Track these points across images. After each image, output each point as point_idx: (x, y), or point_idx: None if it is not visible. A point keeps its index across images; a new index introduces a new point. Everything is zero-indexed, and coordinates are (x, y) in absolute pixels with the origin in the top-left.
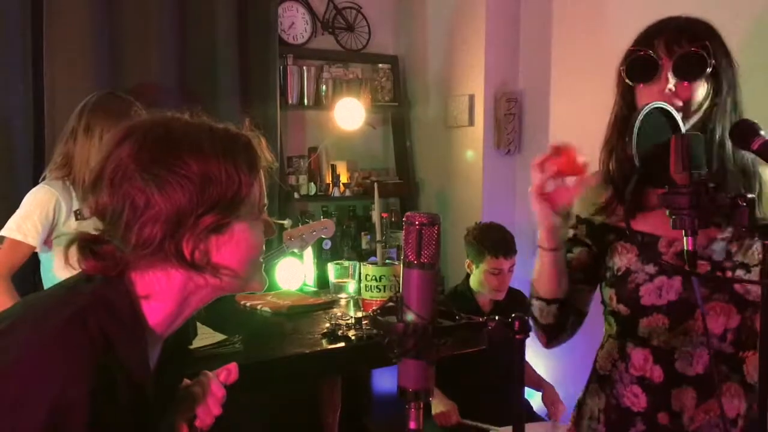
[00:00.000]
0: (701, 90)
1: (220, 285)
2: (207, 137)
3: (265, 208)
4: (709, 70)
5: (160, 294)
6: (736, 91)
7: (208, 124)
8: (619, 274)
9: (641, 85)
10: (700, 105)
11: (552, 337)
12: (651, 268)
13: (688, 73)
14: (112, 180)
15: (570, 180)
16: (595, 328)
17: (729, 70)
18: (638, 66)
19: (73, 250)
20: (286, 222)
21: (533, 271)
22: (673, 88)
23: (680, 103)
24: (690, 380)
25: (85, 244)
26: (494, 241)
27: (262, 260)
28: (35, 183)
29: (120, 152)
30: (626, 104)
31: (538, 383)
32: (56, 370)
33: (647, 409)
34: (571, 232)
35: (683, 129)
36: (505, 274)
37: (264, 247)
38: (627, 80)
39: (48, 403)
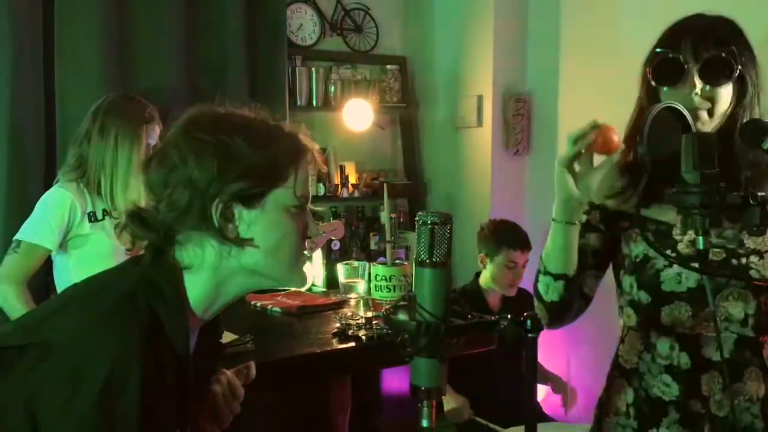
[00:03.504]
0: (727, 93)
1: (254, 268)
2: (255, 119)
3: (308, 204)
4: (735, 74)
5: (197, 268)
6: (759, 93)
7: (260, 114)
8: (638, 260)
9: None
10: (727, 108)
11: (555, 316)
12: (669, 254)
13: (715, 77)
14: (161, 151)
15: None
16: (606, 320)
17: (753, 72)
18: (664, 69)
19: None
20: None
21: (545, 245)
22: (700, 92)
23: (707, 107)
24: (716, 365)
25: (134, 212)
26: (512, 234)
27: (305, 257)
28: (46, 185)
29: (173, 130)
30: (650, 102)
31: (544, 377)
32: (110, 346)
33: (679, 396)
34: (583, 218)
35: (694, 128)
36: (519, 269)
37: (302, 247)
38: (653, 82)
39: (102, 378)
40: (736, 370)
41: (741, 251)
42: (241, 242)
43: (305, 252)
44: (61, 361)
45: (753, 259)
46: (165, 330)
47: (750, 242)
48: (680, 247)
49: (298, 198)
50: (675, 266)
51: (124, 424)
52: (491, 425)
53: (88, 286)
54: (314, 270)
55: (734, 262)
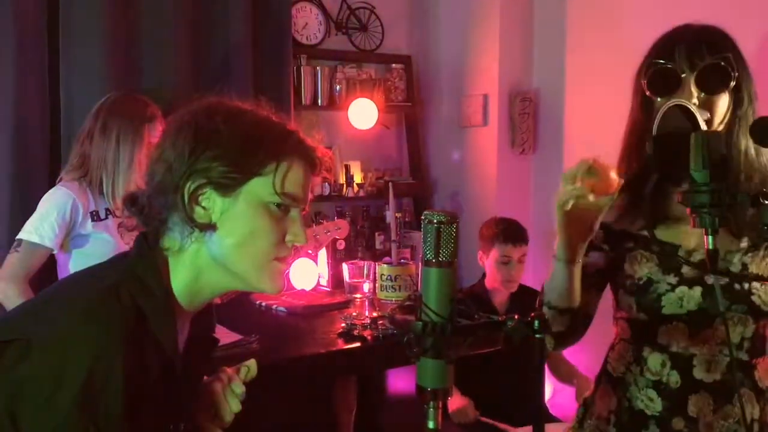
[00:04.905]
0: (724, 102)
1: (222, 261)
2: (249, 110)
3: (298, 210)
4: (732, 83)
5: (176, 252)
6: (755, 101)
7: (264, 108)
8: (641, 283)
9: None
10: (723, 117)
11: (559, 342)
12: (672, 278)
13: (711, 86)
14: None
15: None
16: (606, 327)
17: (749, 80)
18: (660, 79)
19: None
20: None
21: (547, 278)
22: (697, 102)
23: (705, 117)
24: (707, 386)
25: (128, 194)
26: (504, 229)
27: (277, 262)
28: (50, 184)
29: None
30: (645, 114)
31: (570, 375)
32: (91, 342)
33: (662, 413)
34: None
35: (703, 127)
36: (515, 263)
37: (280, 251)
38: (648, 93)
39: (83, 374)
40: (727, 393)
41: (744, 275)
42: (204, 227)
43: (282, 258)
44: (43, 357)
45: (756, 284)
46: (150, 323)
47: (754, 267)
48: (684, 269)
49: (280, 195)
50: (677, 290)
51: (107, 419)
52: (499, 425)
53: (73, 282)
54: (319, 269)
55: (737, 287)
